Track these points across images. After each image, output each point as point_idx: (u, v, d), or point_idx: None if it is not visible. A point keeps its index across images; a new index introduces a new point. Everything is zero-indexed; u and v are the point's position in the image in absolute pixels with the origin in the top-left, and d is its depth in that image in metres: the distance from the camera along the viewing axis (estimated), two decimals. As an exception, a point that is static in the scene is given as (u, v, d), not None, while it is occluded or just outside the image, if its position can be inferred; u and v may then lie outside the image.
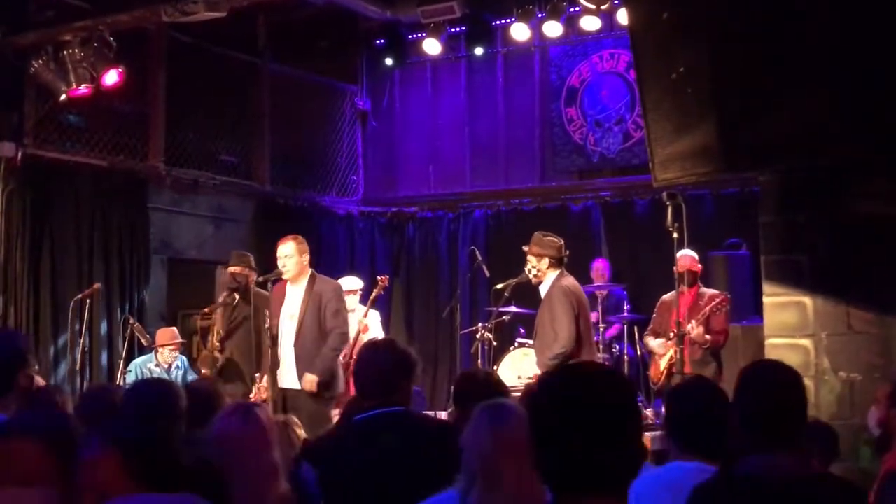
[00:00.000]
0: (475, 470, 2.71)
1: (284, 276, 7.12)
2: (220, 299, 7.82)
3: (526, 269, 7.10)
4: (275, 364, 7.06)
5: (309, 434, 5.00)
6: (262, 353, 7.15)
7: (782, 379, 2.75)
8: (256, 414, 3.25)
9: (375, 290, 8.82)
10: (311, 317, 6.98)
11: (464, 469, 2.77)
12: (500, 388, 4.24)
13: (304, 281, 7.11)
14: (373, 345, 4.03)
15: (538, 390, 2.04)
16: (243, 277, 7.67)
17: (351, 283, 8.72)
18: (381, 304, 10.61)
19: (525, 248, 7.10)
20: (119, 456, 2.31)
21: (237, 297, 7.64)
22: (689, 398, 3.20)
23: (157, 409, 3.63)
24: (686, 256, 7.31)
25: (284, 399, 7.02)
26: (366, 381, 3.70)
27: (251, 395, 7.02)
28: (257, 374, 7.11)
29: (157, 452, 2.39)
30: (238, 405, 3.41)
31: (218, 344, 7.53)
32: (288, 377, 7.03)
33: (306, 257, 7.15)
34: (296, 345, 7.00)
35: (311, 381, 6.82)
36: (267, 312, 7.16)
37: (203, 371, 7.63)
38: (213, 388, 4.58)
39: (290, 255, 7.07)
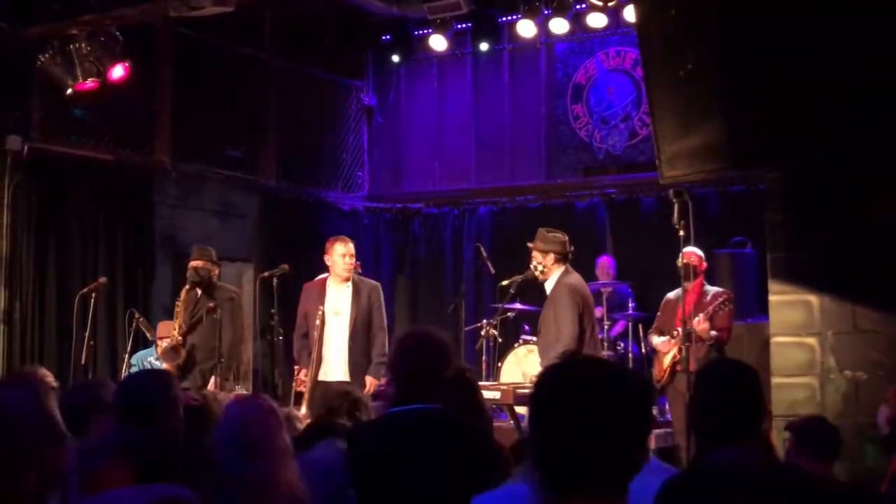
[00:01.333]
0: None
1: (347, 272, 7.42)
2: (182, 294, 7.87)
3: (531, 266, 7.09)
4: (318, 359, 7.36)
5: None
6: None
7: (737, 378, 2.85)
8: (261, 399, 3.38)
9: None
10: (362, 315, 7.36)
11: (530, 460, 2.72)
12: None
13: (349, 280, 7.45)
14: (415, 338, 3.93)
15: (538, 385, 2.02)
16: (206, 271, 7.76)
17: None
18: (386, 299, 10.60)
19: (530, 245, 7.09)
20: (129, 464, 2.33)
21: (199, 291, 7.74)
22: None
23: (152, 399, 3.63)
24: (689, 251, 7.29)
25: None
26: (406, 374, 3.62)
27: (210, 387, 7.22)
28: (296, 367, 7.47)
29: (159, 453, 2.40)
30: (243, 396, 3.48)
31: (180, 337, 7.62)
32: (335, 370, 7.34)
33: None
34: (350, 340, 7.33)
35: (373, 383, 7.21)
36: (218, 309, 7.58)
37: (165, 365, 7.67)
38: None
39: (354, 252, 7.48)
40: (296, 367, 7.50)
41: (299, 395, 7.34)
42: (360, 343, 7.34)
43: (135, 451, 3.20)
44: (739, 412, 2.73)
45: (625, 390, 1.94)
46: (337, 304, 7.42)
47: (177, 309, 7.79)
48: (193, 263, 7.84)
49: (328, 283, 7.49)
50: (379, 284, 7.77)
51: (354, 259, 7.48)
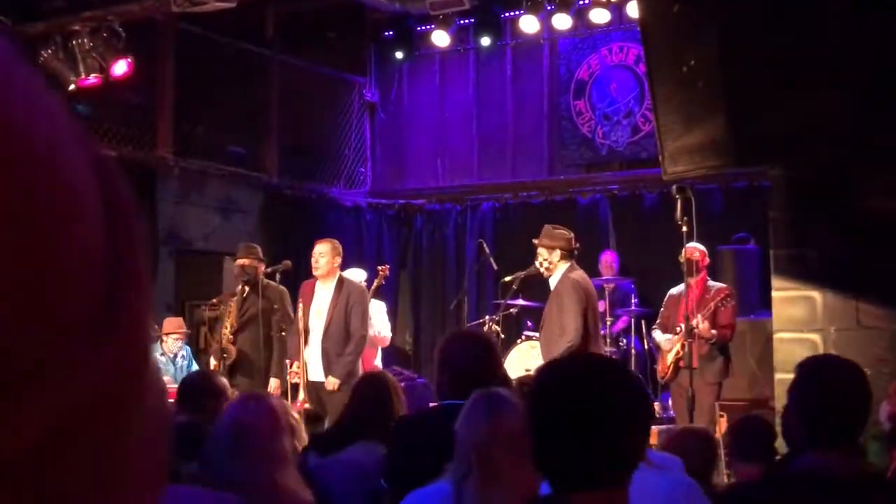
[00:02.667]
0: (470, 461, 2.68)
1: (316, 273, 7.53)
2: (236, 293, 7.80)
3: (537, 262, 7.10)
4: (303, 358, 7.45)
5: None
6: (281, 344, 7.61)
7: (847, 375, 2.65)
8: (268, 401, 3.29)
9: (377, 280, 8.86)
10: (338, 316, 7.40)
11: (457, 458, 2.74)
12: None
13: (333, 282, 7.53)
14: (462, 337, 3.97)
15: (538, 382, 2.02)
16: (252, 269, 7.69)
17: (354, 275, 8.75)
18: (389, 295, 10.62)
19: (535, 241, 7.10)
20: None
21: (248, 289, 7.67)
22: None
23: None
24: (692, 247, 7.30)
25: (315, 389, 7.43)
26: (460, 373, 3.64)
27: (270, 388, 7.26)
28: (287, 361, 7.53)
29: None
30: (249, 394, 3.43)
31: (231, 336, 7.55)
32: (315, 371, 7.44)
33: (338, 260, 7.60)
34: (323, 341, 7.38)
35: (333, 383, 7.24)
36: (275, 306, 7.61)
37: (214, 363, 7.64)
38: (206, 380, 4.61)
39: (325, 253, 7.51)
40: (287, 361, 7.61)
41: (295, 387, 7.47)
42: (335, 344, 7.36)
43: None
44: (846, 417, 2.54)
45: (624, 384, 1.95)
46: (321, 304, 7.52)
47: (228, 308, 7.71)
48: (240, 262, 7.77)
49: (317, 283, 7.61)
50: (364, 288, 7.86)
51: (331, 258, 7.46)
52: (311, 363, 7.44)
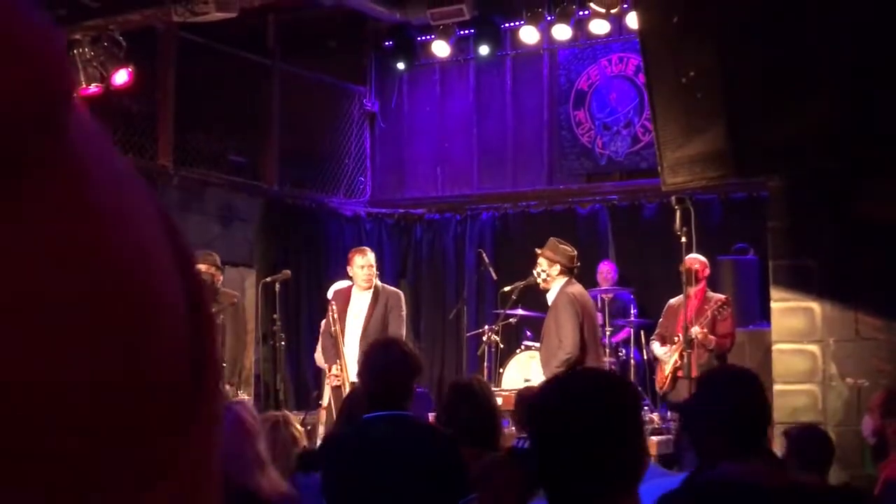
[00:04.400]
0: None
1: (365, 283, 7.89)
2: None
3: (535, 272, 7.12)
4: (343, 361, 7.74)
5: None
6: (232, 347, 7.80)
7: (745, 384, 2.70)
8: (232, 408, 3.31)
9: None
10: (376, 319, 7.76)
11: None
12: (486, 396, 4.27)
13: (371, 287, 7.89)
14: (384, 346, 4.01)
15: (541, 396, 2.04)
16: (209, 276, 7.77)
17: (341, 285, 8.75)
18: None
19: (538, 251, 7.13)
20: None
21: None
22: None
23: None
24: (692, 258, 7.31)
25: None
26: (377, 382, 3.68)
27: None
28: (325, 365, 7.95)
29: None
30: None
31: None
32: (353, 373, 7.52)
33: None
34: (361, 342, 7.54)
35: None
36: (220, 315, 7.76)
37: None
38: None
39: (373, 263, 7.98)
40: (325, 365, 7.97)
41: (337, 390, 7.64)
42: None
43: None
44: (747, 424, 2.57)
45: (623, 396, 1.96)
46: (358, 309, 7.86)
47: None
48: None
49: (353, 290, 7.96)
50: (400, 293, 8.20)
51: (374, 269, 7.94)
52: (350, 365, 7.64)
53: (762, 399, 2.68)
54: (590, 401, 1.91)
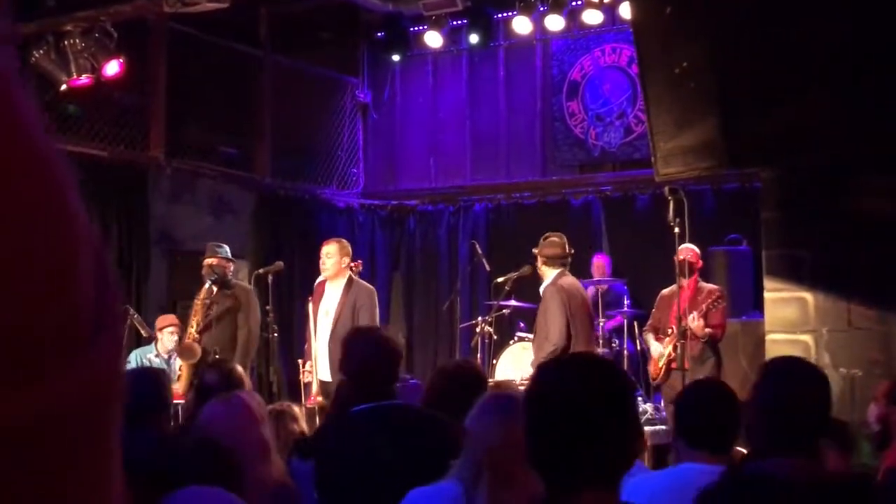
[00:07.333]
0: (481, 462, 2.65)
1: (323, 274, 7.54)
2: (201, 293, 7.78)
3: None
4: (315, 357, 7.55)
5: None
6: (244, 342, 7.69)
7: (807, 376, 2.61)
8: (238, 396, 3.31)
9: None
10: (345, 316, 7.38)
11: (466, 459, 2.70)
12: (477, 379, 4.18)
13: (343, 282, 7.52)
14: (362, 334, 3.98)
15: (533, 382, 2.03)
16: (221, 269, 7.71)
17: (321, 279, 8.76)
18: (381, 296, 10.60)
19: (535, 251, 7.18)
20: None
21: (215, 289, 7.67)
22: (698, 400, 3.14)
23: (142, 400, 3.61)
24: (686, 248, 7.32)
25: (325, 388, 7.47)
26: (362, 372, 3.66)
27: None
28: (299, 360, 7.71)
29: (152, 456, 2.39)
30: (218, 398, 3.43)
31: (197, 336, 7.56)
32: (323, 370, 7.44)
33: (346, 260, 7.55)
34: (330, 341, 7.35)
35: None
36: (242, 305, 7.67)
37: (180, 362, 7.65)
38: (228, 374, 4.64)
39: (332, 254, 7.50)
40: (300, 360, 7.74)
41: (307, 386, 7.53)
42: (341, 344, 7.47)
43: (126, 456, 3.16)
44: (809, 421, 2.47)
45: (617, 383, 1.96)
46: (329, 304, 7.55)
47: (194, 307, 7.72)
48: (208, 261, 7.78)
49: (326, 283, 7.63)
50: (372, 289, 7.78)
51: (338, 259, 7.49)
52: (320, 363, 7.47)
53: (827, 397, 2.58)
54: (581, 385, 1.91)
